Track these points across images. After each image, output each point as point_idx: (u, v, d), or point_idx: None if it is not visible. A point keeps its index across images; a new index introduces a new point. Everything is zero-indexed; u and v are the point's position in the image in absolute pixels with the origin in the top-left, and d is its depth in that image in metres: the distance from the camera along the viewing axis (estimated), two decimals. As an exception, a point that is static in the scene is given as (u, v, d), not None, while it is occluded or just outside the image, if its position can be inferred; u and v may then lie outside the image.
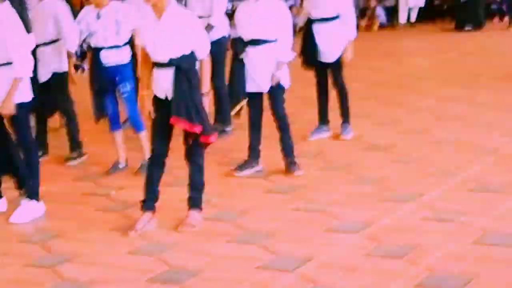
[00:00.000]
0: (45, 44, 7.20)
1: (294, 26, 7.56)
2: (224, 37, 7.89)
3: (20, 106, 5.65)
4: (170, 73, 5.10)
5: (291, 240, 4.99)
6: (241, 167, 6.58)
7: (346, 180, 6.21)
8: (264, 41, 6.27)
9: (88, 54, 7.05)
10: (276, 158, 6.55)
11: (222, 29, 7.86)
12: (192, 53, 5.15)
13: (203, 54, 5.21)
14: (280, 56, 6.27)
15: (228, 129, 7.99)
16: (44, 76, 7.22)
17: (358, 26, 16.62)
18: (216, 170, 6.69)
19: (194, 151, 5.30)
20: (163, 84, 5.17)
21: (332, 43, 7.27)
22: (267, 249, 4.84)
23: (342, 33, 7.26)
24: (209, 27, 7.56)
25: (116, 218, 5.70)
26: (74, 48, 7.31)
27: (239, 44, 6.38)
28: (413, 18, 17.85)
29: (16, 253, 5.15)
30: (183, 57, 5.11)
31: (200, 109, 5.14)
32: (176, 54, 5.10)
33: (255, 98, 6.44)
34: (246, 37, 6.33)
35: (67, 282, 4.59)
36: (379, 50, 14.50)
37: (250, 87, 6.38)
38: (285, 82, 6.41)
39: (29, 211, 5.80)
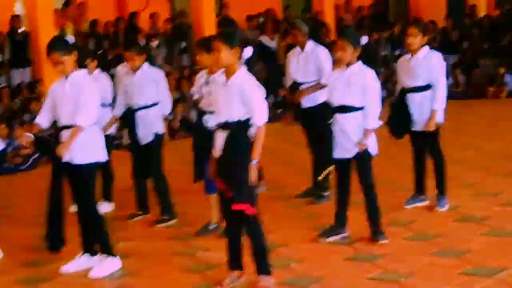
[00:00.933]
0: (146, 107, 7.55)
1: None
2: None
3: (93, 165, 6.01)
4: (224, 135, 5.32)
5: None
6: (327, 233, 6.59)
7: (430, 252, 6.10)
8: (352, 108, 6.34)
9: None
10: (364, 224, 6.53)
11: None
12: (248, 119, 5.29)
13: (260, 121, 5.31)
14: (367, 124, 6.31)
15: (326, 193, 8.02)
16: (145, 138, 7.56)
17: (485, 93, 16.55)
18: (304, 235, 6.77)
19: (245, 220, 5.40)
20: (218, 144, 5.40)
21: (423, 112, 7.21)
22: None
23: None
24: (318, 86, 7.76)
25: (197, 279, 5.84)
26: (167, 111, 7.68)
27: (328, 110, 6.47)
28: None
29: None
30: (239, 121, 5.29)
31: (242, 181, 5.26)
32: (232, 117, 5.29)
33: (342, 164, 6.47)
34: (335, 103, 6.42)
35: None
36: (505, 118, 14.12)
37: (338, 153, 6.43)
38: (373, 150, 6.42)
39: (107, 266, 6.08)
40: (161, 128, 7.67)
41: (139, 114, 7.56)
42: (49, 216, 6.15)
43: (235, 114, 5.30)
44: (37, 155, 11.73)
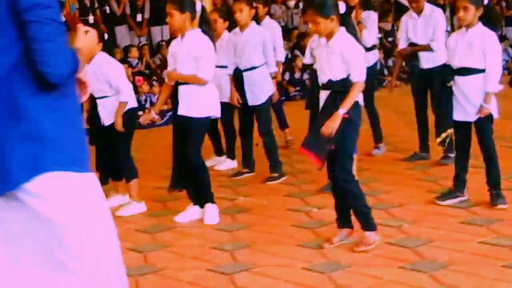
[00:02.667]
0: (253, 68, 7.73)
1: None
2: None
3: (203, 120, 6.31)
4: (327, 93, 5.37)
5: (463, 272, 4.88)
6: (445, 196, 6.49)
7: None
8: (473, 70, 6.18)
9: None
10: (485, 188, 6.38)
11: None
12: (348, 77, 5.30)
13: (356, 78, 5.29)
14: (488, 87, 6.13)
15: (451, 155, 7.87)
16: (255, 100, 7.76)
17: None
18: (421, 197, 6.69)
19: (338, 176, 5.41)
20: (322, 103, 5.42)
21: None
22: (436, 279, 4.78)
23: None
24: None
25: (307, 235, 5.90)
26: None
27: (448, 72, 6.33)
28: None
29: (204, 259, 5.52)
30: (341, 80, 5.27)
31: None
32: (335, 76, 5.30)
33: (462, 127, 6.33)
34: (455, 65, 6.27)
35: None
36: None
37: (458, 116, 6.29)
38: (494, 113, 6.24)
39: (211, 212, 6.42)
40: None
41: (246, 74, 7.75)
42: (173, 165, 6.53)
43: (337, 74, 5.32)
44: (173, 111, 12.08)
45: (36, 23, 2.92)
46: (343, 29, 5.37)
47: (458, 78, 6.24)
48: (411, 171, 7.77)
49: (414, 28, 8.05)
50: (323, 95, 5.43)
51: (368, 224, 5.43)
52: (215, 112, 6.48)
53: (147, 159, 9.03)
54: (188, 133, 6.28)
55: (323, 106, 5.38)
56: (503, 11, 17.06)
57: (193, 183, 6.46)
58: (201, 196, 6.46)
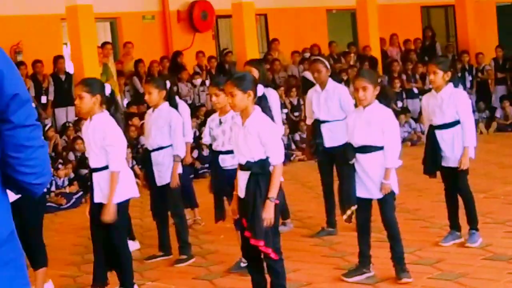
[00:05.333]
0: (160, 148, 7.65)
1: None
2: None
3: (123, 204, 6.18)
4: (246, 175, 5.44)
5: None
6: (351, 272, 6.53)
7: (454, 291, 6.00)
8: (373, 148, 6.31)
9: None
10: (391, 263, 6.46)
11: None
12: (267, 158, 5.39)
13: (276, 161, 5.41)
14: (387, 163, 6.27)
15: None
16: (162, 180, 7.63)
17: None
18: (330, 274, 6.72)
19: (265, 258, 5.51)
20: (241, 184, 5.49)
21: (454, 148, 7.15)
22: None
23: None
24: None
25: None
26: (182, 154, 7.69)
27: (349, 150, 6.45)
28: None
29: None
30: (259, 161, 5.39)
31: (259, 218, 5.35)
32: (253, 157, 5.40)
33: (364, 203, 6.43)
34: (355, 143, 6.40)
35: None
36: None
37: (360, 192, 6.40)
38: (395, 189, 6.37)
39: None
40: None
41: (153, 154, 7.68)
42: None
43: (255, 155, 5.41)
44: (80, 193, 11.92)
45: None
46: (259, 108, 5.44)
47: (359, 156, 6.37)
48: (319, 248, 7.81)
49: (317, 101, 8.20)
50: (242, 175, 5.49)
51: None
52: (133, 193, 6.36)
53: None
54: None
55: (247, 191, 5.45)
56: (404, 84, 17.56)
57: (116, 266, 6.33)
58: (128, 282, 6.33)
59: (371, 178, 6.32)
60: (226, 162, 6.99)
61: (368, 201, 6.43)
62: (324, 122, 8.18)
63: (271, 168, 5.45)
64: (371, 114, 6.31)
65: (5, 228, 2.45)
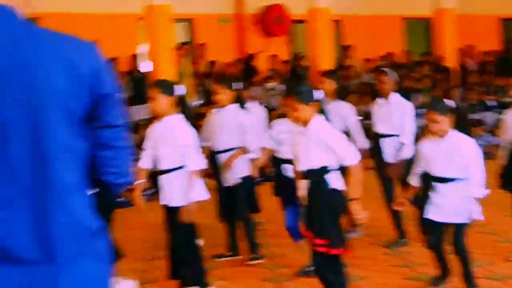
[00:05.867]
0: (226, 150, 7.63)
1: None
2: None
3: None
4: (307, 183, 5.40)
5: None
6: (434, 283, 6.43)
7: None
8: (455, 179, 6.07)
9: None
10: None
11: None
12: (327, 166, 5.35)
13: (352, 161, 5.34)
14: (475, 193, 6.02)
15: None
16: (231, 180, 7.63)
17: None
18: (399, 284, 6.66)
19: (325, 264, 5.47)
20: (303, 192, 5.46)
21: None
22: None
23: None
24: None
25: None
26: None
27: (427, 180, 6.21)
28: None
29: None
30: (320, 169, 5.36)
31: (325, 224, 5.31)
32: (313, 165, 5.36)
33: (439, 227, 6.18)
34: (435, 174, 6.15)
35: None
36: None
37: (436, 216, 6.12)
38: (477, 217, 6.09)
39: None
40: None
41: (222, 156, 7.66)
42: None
43: (316, 162, 5.36)
44: (152, 190, 12.04)
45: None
46: (320, 116, 5.43)
47: (438, 185, 6.14)
48: (388, 257, 7.72)
49: (378, 114, 8.04)
50: (302, 184, 5.45)
51: None
52: (205, 195, 6.34)
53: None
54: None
55: (308, 197, 5.43)
56: (481, 96, 17.26)
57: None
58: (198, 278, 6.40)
59: (451, 202, 6.06)
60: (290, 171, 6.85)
61: (443, 225, 6.18)
62: (384, 136, 7.98)
63: (328, 175, 5.37)
64: (452, 146, 6.04)
65: (93, 221, 2.50)
